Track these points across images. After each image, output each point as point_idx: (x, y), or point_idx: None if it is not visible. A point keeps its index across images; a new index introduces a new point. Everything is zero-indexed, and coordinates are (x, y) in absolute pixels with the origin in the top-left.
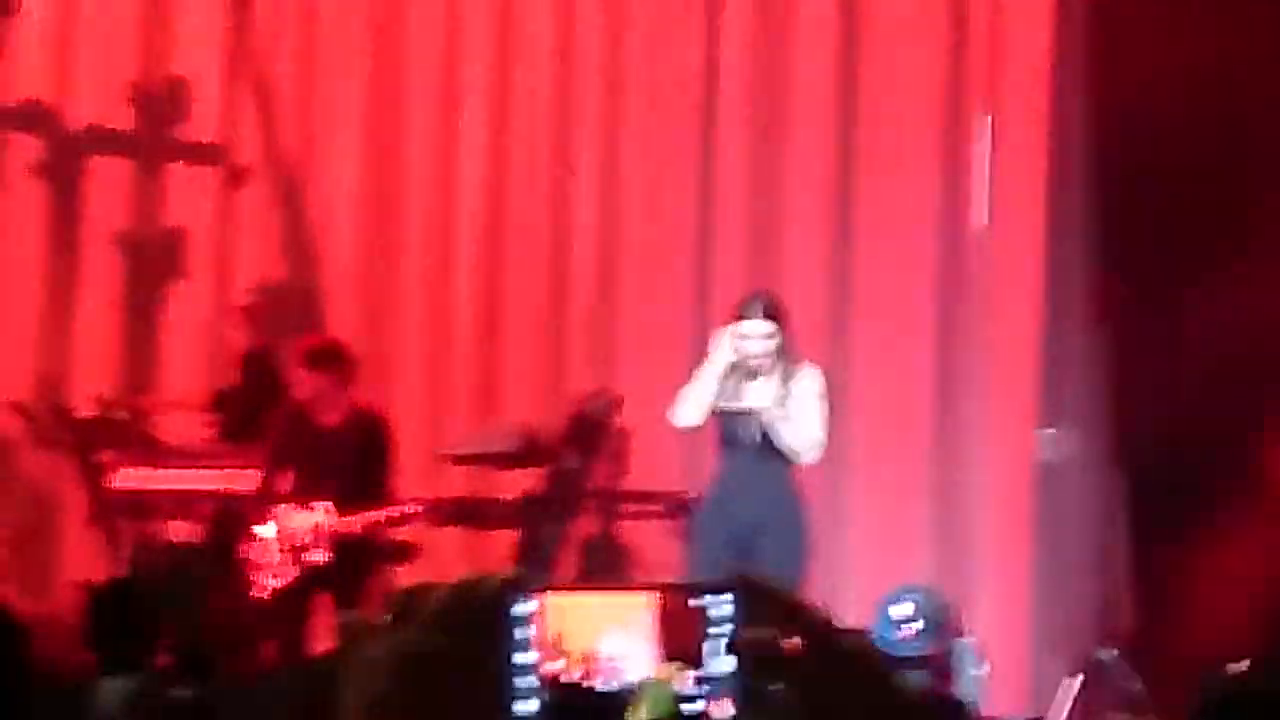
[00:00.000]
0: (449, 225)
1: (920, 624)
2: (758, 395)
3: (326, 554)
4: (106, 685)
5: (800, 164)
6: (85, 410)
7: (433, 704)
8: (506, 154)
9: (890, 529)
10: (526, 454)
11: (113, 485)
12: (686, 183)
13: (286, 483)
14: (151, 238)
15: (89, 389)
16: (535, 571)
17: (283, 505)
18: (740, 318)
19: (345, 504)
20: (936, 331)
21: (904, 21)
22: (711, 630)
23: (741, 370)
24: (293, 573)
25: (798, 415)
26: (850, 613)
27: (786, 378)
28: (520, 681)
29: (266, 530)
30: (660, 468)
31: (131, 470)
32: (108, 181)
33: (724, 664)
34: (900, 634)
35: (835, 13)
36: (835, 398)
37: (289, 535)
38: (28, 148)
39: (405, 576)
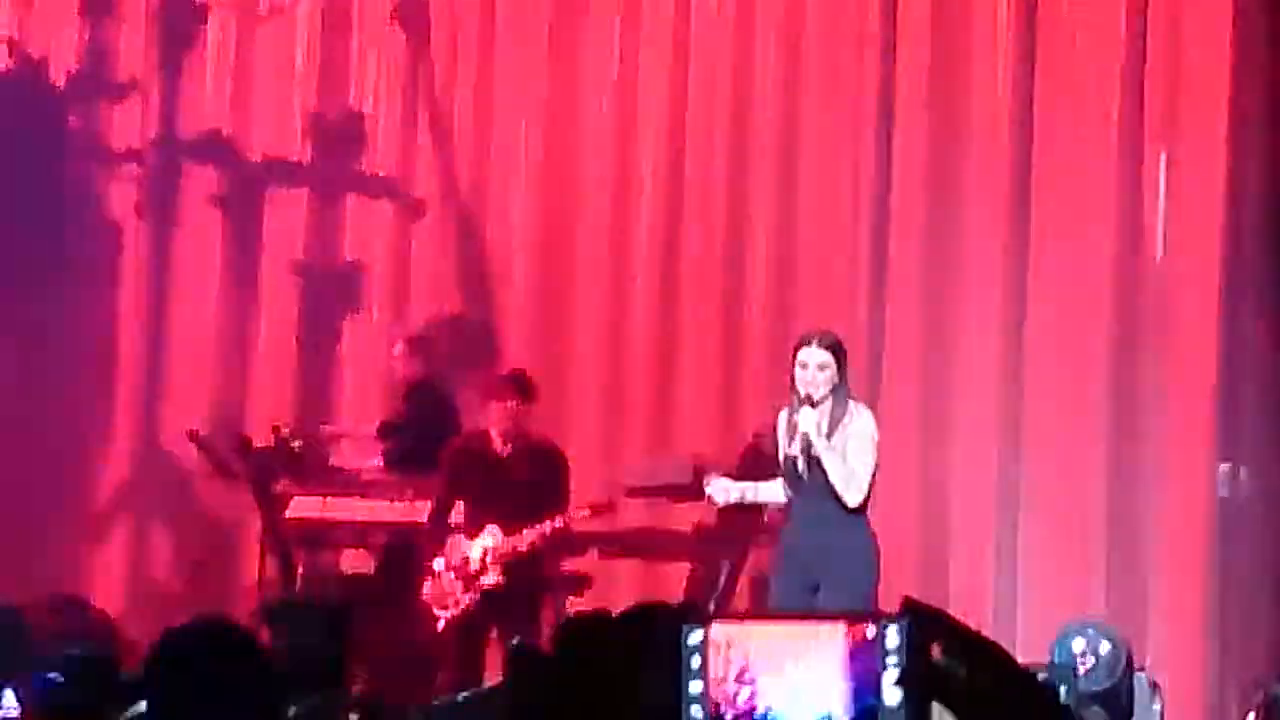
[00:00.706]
0: (623, 257)
1: (1096, 659)
2: (806, 419)
3: (498, 576)
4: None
5: (975, 196)
6: (261, 440)
7: None
8: (681, 185)
9: (1066, 563)
10: (700, 486)
11: (288, 515)
12: (862, 213)
13: (459, 514)
14: (328, 269)
15: (265, 419)
16: (708, 603)
17: (454, 537)
18: (800, 346)
19: (513, 526)
20: (1112, 365)
21: (1081, 55)
22: (886, 661)
23: (795, 398)
24: (466, 601)
25: (848, 454)
26: (1025, 646)
27: (839, 416)
28: (693, 712)
29: (439, 564)
30: None
31: (307, 500)
32: (285, 213)
33: (896, 695)
34: (1076, 669)
35: (1012, 49)
36: (1009, 430)
37: (461, 564)
38: (207, 179)
39: (577, 607)
